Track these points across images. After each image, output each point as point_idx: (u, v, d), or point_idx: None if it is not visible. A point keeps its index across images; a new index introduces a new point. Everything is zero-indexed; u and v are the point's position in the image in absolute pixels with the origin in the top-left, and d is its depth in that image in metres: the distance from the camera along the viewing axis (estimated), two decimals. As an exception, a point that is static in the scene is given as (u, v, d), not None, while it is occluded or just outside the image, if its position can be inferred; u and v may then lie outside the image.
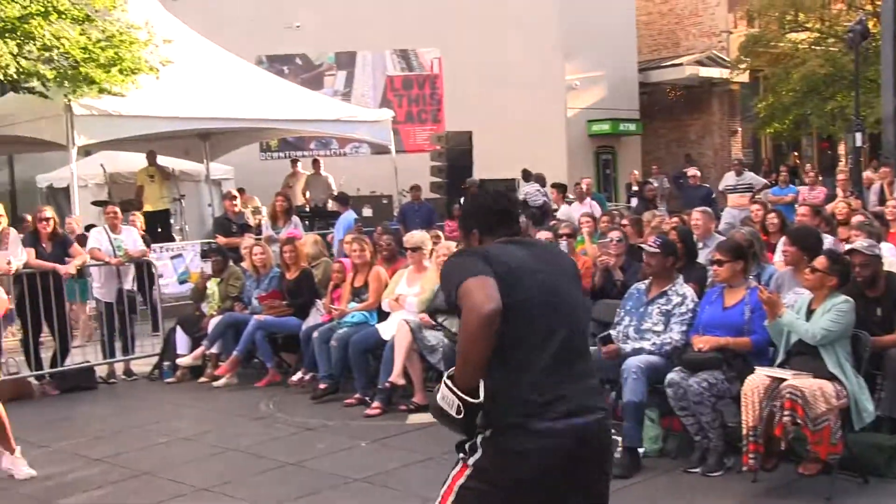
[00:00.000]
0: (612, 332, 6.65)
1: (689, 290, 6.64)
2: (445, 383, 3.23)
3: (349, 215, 14.43)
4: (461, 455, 3.34)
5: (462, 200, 15.50)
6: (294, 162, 18.55)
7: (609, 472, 3.48)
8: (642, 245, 6.97)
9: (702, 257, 7.92)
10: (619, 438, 6.16)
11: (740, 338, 6.15)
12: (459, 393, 3.18)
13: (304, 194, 17.53)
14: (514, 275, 3.31)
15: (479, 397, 3.19)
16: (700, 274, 7.47)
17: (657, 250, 6.65)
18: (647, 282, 6.81)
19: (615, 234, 8.23)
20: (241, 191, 15.19)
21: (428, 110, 22.56)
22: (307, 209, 17.24)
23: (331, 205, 17.85)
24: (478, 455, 3.28)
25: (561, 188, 16.71)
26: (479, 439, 3.29)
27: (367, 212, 17.78)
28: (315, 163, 18.19)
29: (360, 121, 16.46)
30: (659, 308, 6.58)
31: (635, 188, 21.36)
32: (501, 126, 21.67)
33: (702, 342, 6.17)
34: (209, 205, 17.47)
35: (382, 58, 22.57)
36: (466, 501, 3.30)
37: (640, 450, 6.20)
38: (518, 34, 24.26)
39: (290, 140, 20.92)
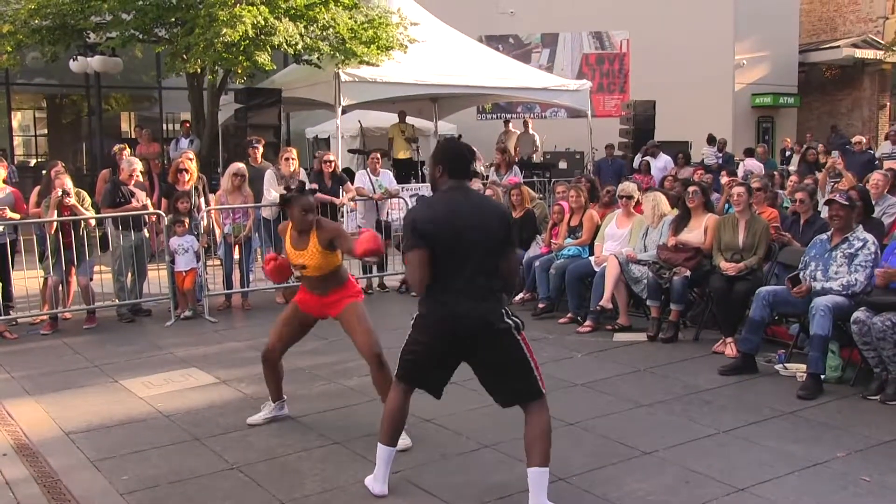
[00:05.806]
0: (800, 274, 6.30)
1: (869, 236, 6.10)
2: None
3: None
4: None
5: (644, 158, 15.09)
6: (507, 122, 18.41)
7: (491, 348, 3.85)
8: (832, 199, 6.50)
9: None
10: (804, 365, 5.93)
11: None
12: None
13: (515, 149, 17.44)
14: (436, 226, 3.75)
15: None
16: (878, 229, 6.96)
17: (846, 203, 6.21)
18: (829, 232, 6.39)
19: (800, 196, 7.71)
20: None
21: (616, 82, 21.85)
22: (516, 161, 17.13)
23: (535, 158, 17.80)
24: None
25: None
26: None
27: (563, 164, 17.55)
28: (525, 123, 17.98)
29: (563, 89, 16.14)
30: (842, 252, 6.11)
31: (788, 153, 20.22)
32: (677, 97, 20.79)
33: (882, 271, 5.69)
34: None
35: (580, 38, 21.94)
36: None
37: (822, 376, 5.89)
38: (695, 19, 23.30)
39: (501, 104, 20.78)
